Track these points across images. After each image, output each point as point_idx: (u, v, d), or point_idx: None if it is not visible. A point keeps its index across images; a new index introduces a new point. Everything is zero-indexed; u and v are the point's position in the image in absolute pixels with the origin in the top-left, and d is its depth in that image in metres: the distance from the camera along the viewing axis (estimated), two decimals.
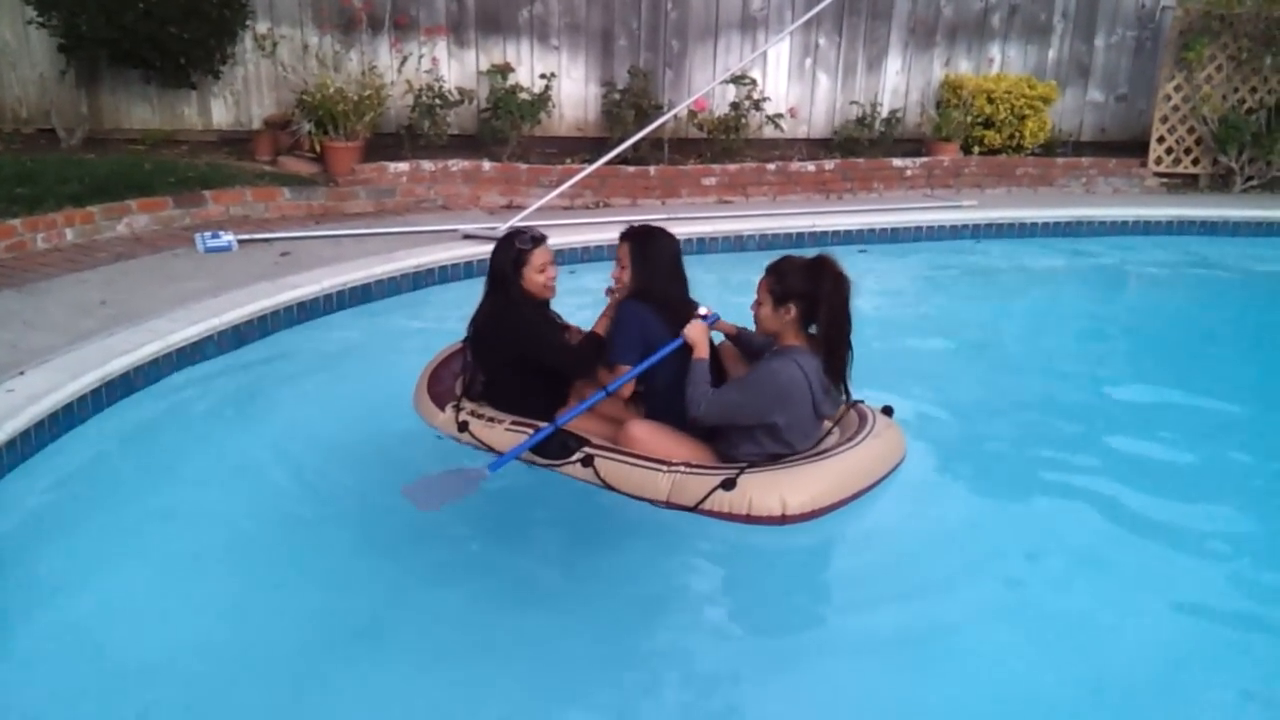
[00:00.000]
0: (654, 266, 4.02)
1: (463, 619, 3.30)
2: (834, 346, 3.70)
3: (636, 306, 3.95)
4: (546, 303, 4.25)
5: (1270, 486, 4.37)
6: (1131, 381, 5.58)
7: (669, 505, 3.72)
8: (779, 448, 3.76)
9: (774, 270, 3.75)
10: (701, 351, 3.81)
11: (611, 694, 3.01)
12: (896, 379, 5.28)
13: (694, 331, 3.85)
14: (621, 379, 3.90)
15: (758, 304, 3.79)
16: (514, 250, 4.08)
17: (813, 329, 3.76)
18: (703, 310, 3.95)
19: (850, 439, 3.91)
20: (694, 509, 3.67)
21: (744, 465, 3.71)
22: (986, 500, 4.20)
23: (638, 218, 7.82)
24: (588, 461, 3.85)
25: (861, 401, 4.16)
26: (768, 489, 3.63)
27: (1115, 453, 4.59)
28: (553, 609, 3.39)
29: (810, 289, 3.64)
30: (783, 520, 3.61)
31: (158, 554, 3.58)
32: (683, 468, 3.74)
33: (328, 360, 5.46)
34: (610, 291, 4.15)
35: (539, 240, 4.12)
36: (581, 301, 4.88)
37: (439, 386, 4.41)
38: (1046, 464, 4.49)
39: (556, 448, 3.92)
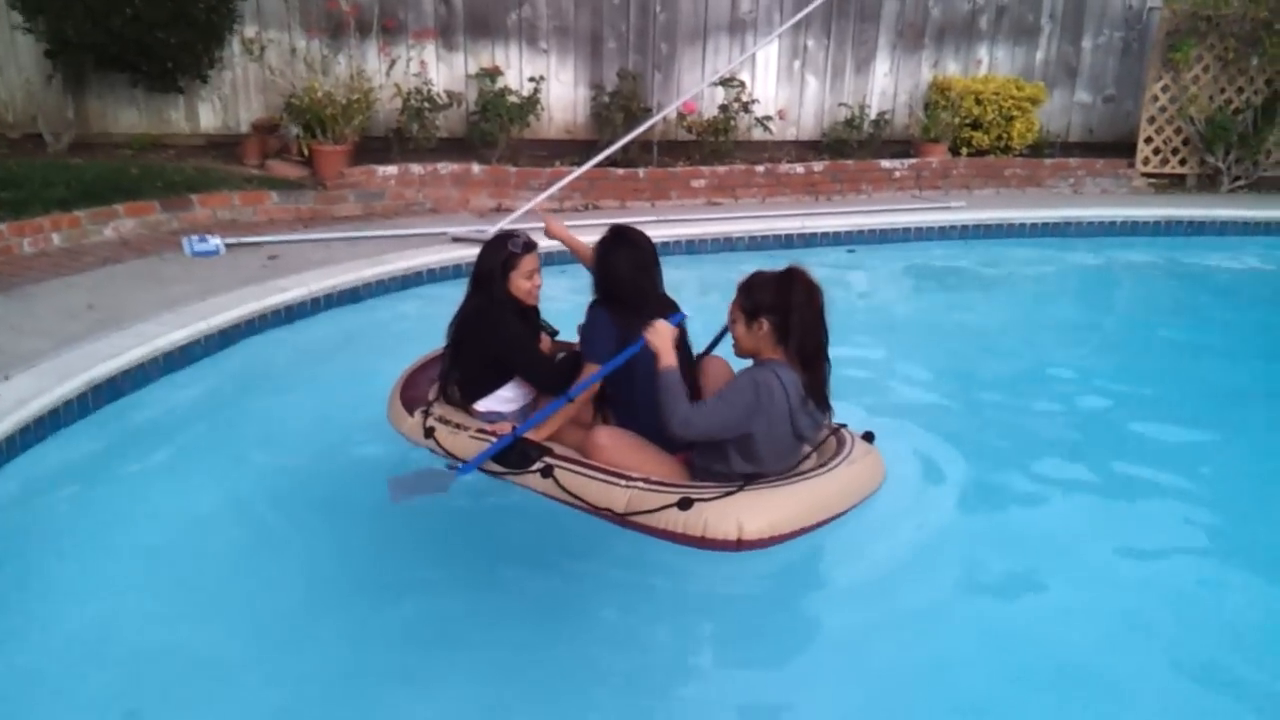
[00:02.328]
0: (612, 268, 3.99)
1: (435, 633, 3.28)
2: (809, 360, 3.57)
3: (602, 309, 3.96)
4: (534, 309, 4.25)
5: (1261, 485, 4.36)
6: (1119, 383, 5.58)
7: (624, 521, 3.59)
8: (751, 466, 3.61)
9: (744, 287, 3.62)
10: (667, 358, 3.54)
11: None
12: (882, 382, 5.31)
13: (655, 336, 3.59)
14: (579, 386, 3.87)
15: (732, 322, 3.66)
16: (504, 253, 4.06)
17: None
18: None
19: (823, 464, 3.76)
20: (647, 527, 3.54)
21: (705, 486, 3.57)
22: (970, 511, 4.09)
23: (627, 220, 7.86)
24: (547, 472, 3.77)
25: (844, 426, 4.02)
26: (724, 512, 3.47)
27: (1102, 456, 4.57)
28: (514, 628, 3.30)
29: (781, 301, 3.52)
30: (739, 546, 3.46)
31: (143, 558, 3.57)
32: (641, 483, 3.61)
33: (315, 364, 5.44)
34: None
35: (530, 246, 4.10)
36: (575, 303, 4.83)
37: (413, 392, 4.39)
38: (1031, 469, 4.44)
39: (517, 457, 3.86)
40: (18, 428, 4.14)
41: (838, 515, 3.68)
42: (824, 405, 3.71)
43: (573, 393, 3.89)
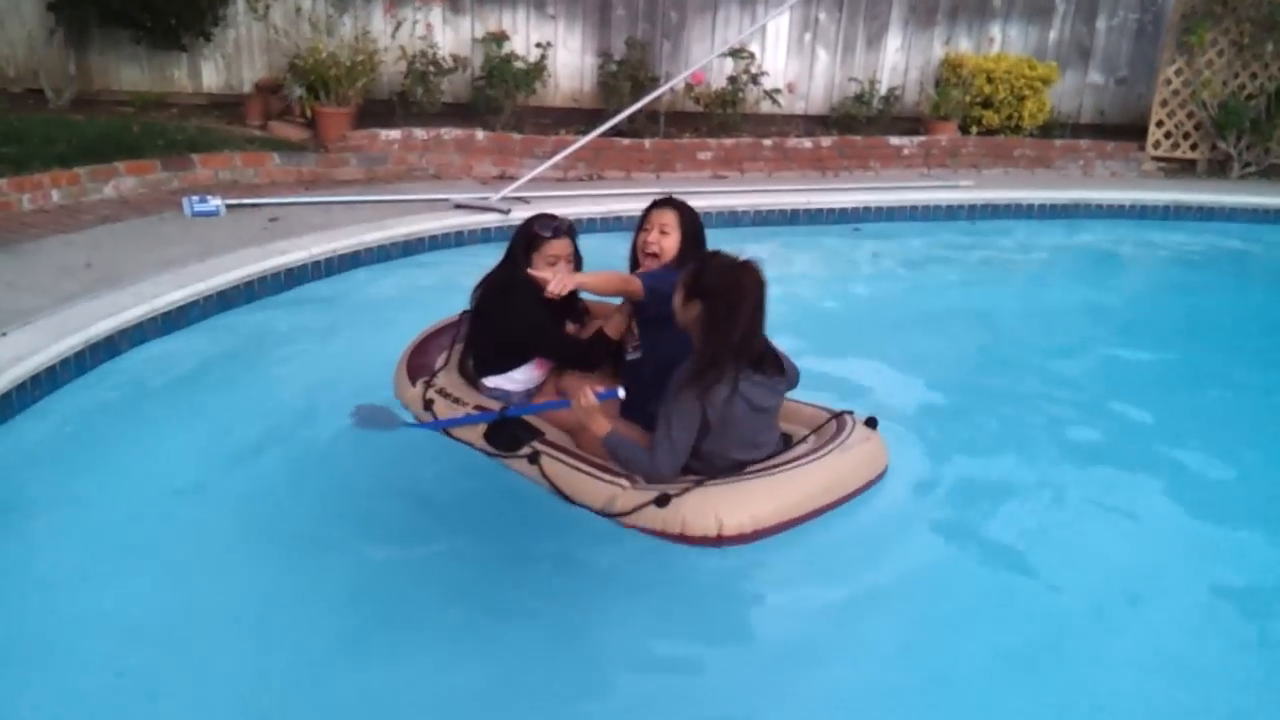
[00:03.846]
0: (699, 237, 3.88)
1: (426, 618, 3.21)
2: (744, 348, 3.45)
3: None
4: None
5: (1265, 472, 4.33)
6: (1125, 367, 5.55)
7: (605, 515, 3.51)
8: (723, 455, 3.52)
9: (696, 263, 3.52)
10: (599, 428, 3.51)
11: None
12: (884, 363, 5.25)
13: (582, 412, 3.52)
14: (525, 409, 3.85)
15: (675, 291, 3.55)
16: (531, 233, 3.91)
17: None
18: (600, 389, 3.56)
19: (813, 451, 3.64)
20: (626, 524, 3.45)
21: (681, 481, 3.47)
22: (971, 494, 3.99)
23: (633, 191, 7.83)
24: (534, 459, 3.69)
25: (849, 412, 3.92)
26: (702, 506, 3.36)
27: (1104, 440, 4.54)
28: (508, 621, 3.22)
29: (720, 288, 3.39)
30: (719, 541, 3.35)
31: (135, 519, 3.54)
32: (623, 480, 3.51)
33: (313, 328, 5.39)
34: (648, 256, 3.89)
35: (560, 232, 3.91)
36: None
37: (420, 359, 4.33)
38: (1033, 453, 4.37)
39: (507, 439, 3.78)
40: (14, 385, 4.11)
41: (831, 505, 3.57)
42: (775, 368, 3.58)
43: (557, 404, 3.79)
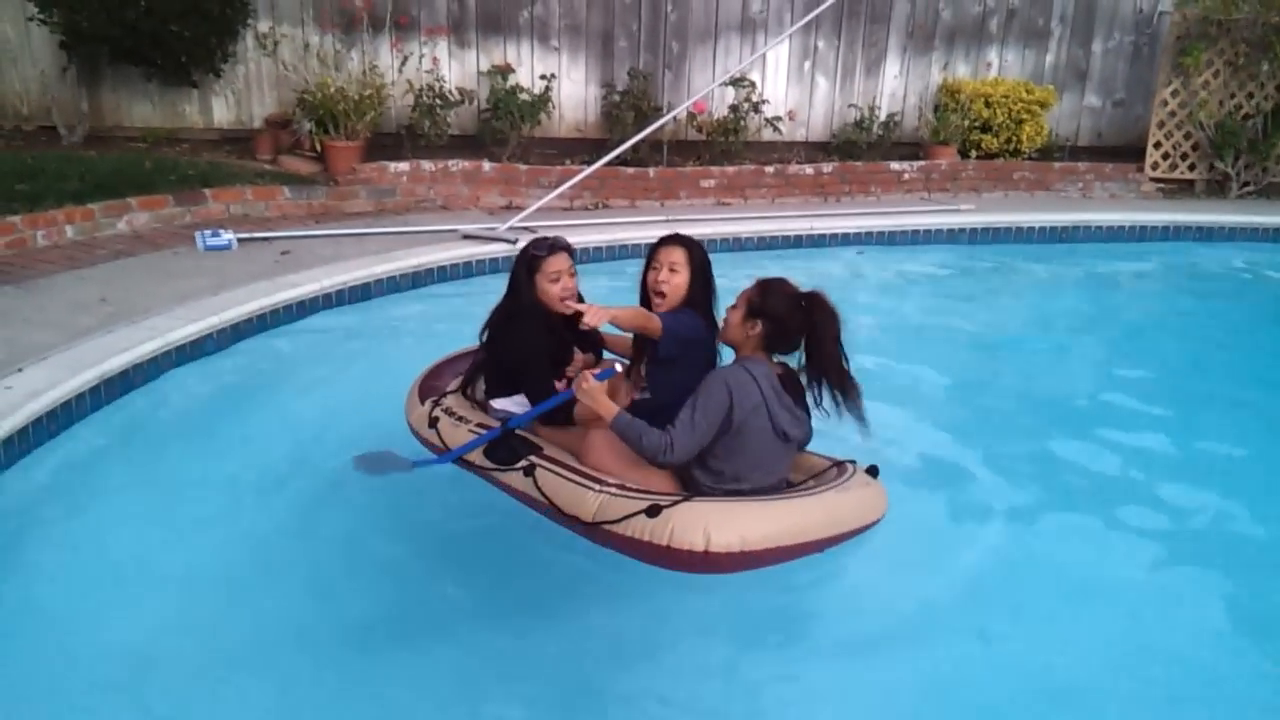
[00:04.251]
0: (707, 273, 3.87)
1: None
2: (829, 376, 3.48)
3: (697, 319, 3.77)
4: (572, 320, 3.93)
5: (1271, 492, 4.34)
6: (1127, 389, 5.57)
7: (592, 528, 3.38)
8: (733, 467, 3.47)
9: (761, 285, 3.53)
10: (606, 411, 3.46)
11: None
12: (886, 387, 5.25)
13: (586, 397, 3.49)
14: (525, 416, 3.84)
15: (732, 308, 3.57)
16: (528, 257, 3.92)
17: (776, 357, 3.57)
18: (596, 370, 3.58)
19: (812, 488, 3.57)
20: (618, 538, 3.33)
21: (680, 495, 3.37)
22: (973, 519, 4.04)
23: (637, 219, 7.92)
24: (529, 471, 3.59)
25: (852, 461, 3.80)
26: (693, 519, 3.22)
27: (1111, 464, 4.55)
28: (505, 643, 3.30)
29: (786, 316, 3.44)
30: (706, 559, 3.19)
31: (151, 552, 3.59)
32: (614, 489, 3.40)
33: (326, 360, 5.46)
34: (658, 295, 3.85)
35: (556, 248, 3.90)
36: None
37: (434, 382, 4.36)
38: (1034, 476, 4.40)
39: (505, 452, 3.75)
40: (30, 420, 4.16)
41: (822, 544, 3.46)
42: (802, 402, 3.56)
43: (546, 405, 3.80)
